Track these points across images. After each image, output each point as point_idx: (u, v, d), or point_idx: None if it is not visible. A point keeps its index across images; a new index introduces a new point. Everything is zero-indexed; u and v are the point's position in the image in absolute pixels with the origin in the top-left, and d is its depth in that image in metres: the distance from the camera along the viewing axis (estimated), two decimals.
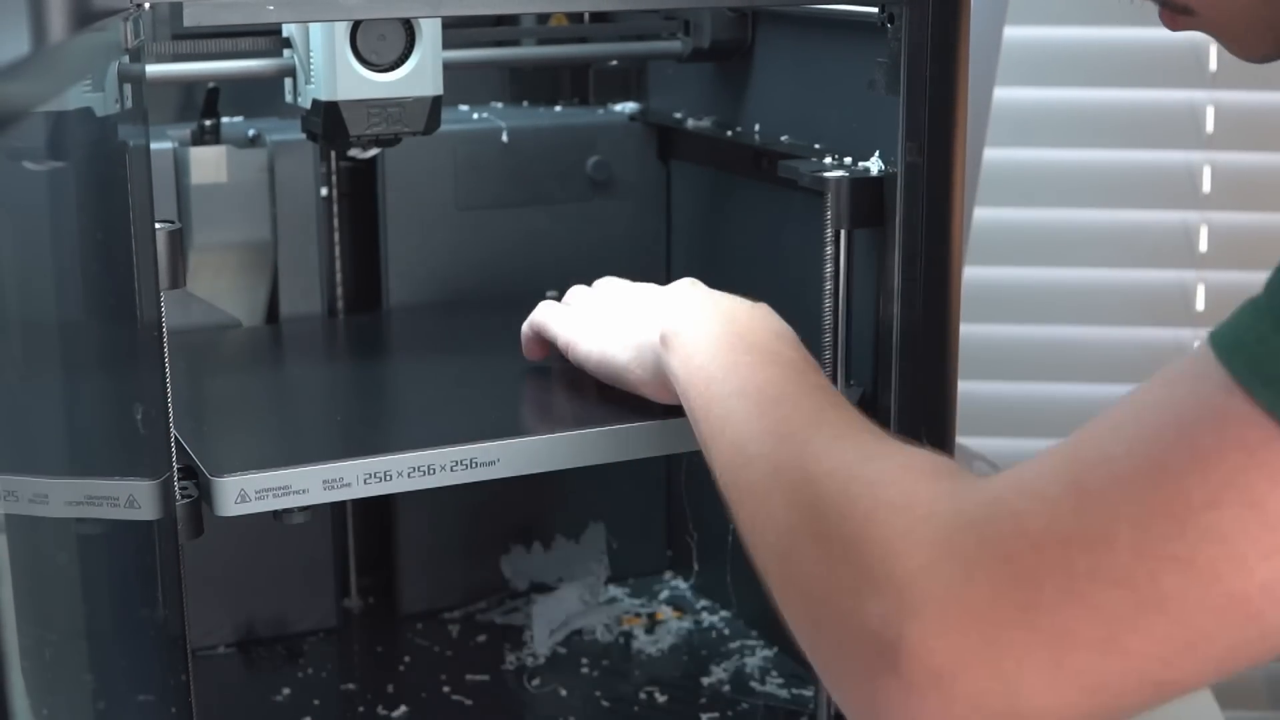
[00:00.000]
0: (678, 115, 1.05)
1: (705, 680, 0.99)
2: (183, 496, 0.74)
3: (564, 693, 0.97)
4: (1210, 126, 1.56)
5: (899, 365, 0.83)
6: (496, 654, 1.02)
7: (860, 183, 0.83)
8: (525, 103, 1.13)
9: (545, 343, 0.88)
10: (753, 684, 0.99)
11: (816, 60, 0.92)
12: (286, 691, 0.98)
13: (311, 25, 0.86)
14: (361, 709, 0.97)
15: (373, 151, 0.98)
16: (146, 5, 0.69)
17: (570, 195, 1.07)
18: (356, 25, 0.85)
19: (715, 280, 1.05)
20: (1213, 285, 1.57)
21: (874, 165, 0.84)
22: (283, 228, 1.00)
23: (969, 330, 0.86)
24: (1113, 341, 1.60)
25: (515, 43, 1.06)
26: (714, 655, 1.02)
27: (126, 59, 0.68)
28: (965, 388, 0.86)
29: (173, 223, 0.71)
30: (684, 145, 1.07)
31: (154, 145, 0.91)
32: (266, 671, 1.00)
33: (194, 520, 0.74)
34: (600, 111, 1.11)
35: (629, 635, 1.05)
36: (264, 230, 1.00)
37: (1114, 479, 0.50)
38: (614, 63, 1.09)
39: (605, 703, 0.96)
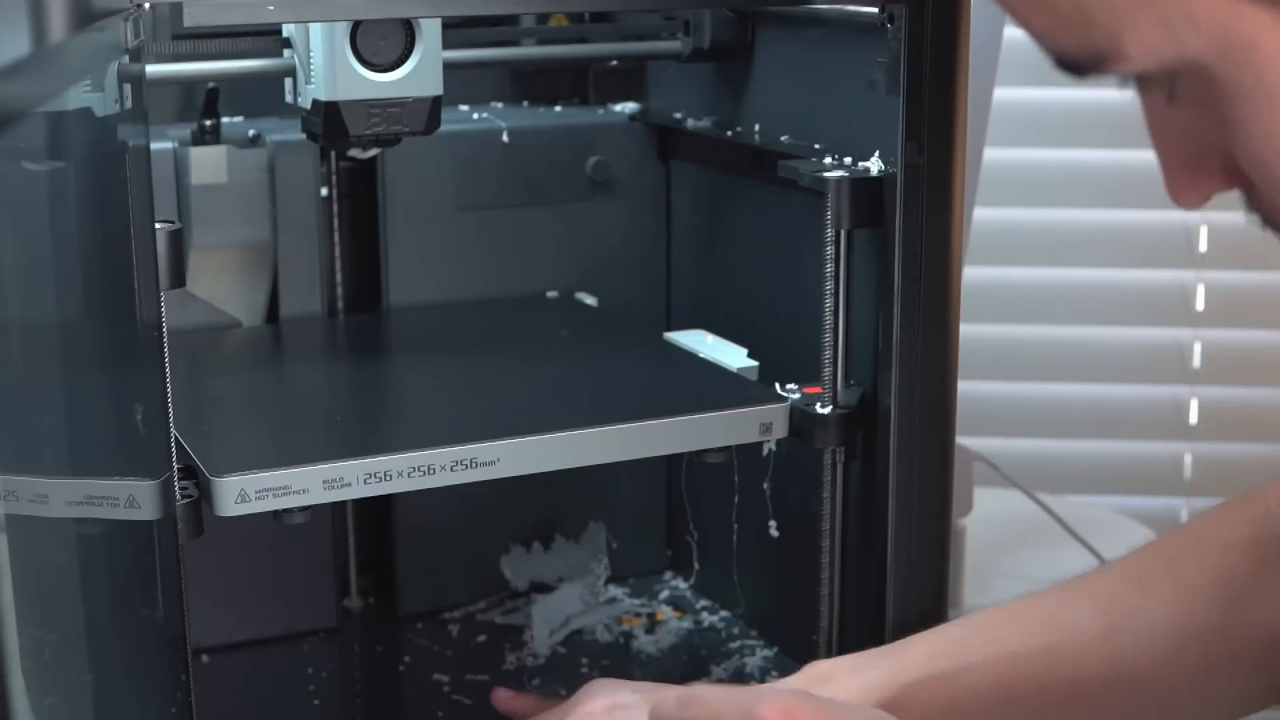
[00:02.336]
0: (678, 115, 1.05)
1: (705, 680, 0.99)
2: (183, 496, 0.74)
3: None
4: None
5: (899, 365, 0.83)
6: (496, 654, 1.02)
7: (860, 183, 0.83)
8: (525, 103, 1.13)
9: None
10: (753, 684, 0.99)
11: (816, 60, 0.92)
12: (286, 691, 0.98)
13: (311, 25, 0.86)
14: (362, 709, 0.97)
15: (373, 151, 0.98)
16: (146, 5, 0.69)
17: (570, 195, 1.07)
18: (356, 25, 0.85)
19: (715, 280, 1.05)
20: (1213, 285, 1.57)
21: (874, 165, 0.84)
22: (283, 228, 1.00)
23: (969, 330, 0.86)
24: (1113, 341, 1.61)
25: (515, 43, 1.06)
26: (714, 655, 1.02)
27: (126, 59, 0.68)
28: (965, 388, 0.86)
29: (173, 223, 0.71)
30: (684, 145, 1.07)
31: (154, 145, 0.91)
32: (266, 671, 1.00)
33: (194, 520, 0.74)
34: (600, 111, 1.11)
35: (629, 635, 1.05)
36: (264, 230, 1.00)
37: None
38: (614, 63, 1.09)
39: None
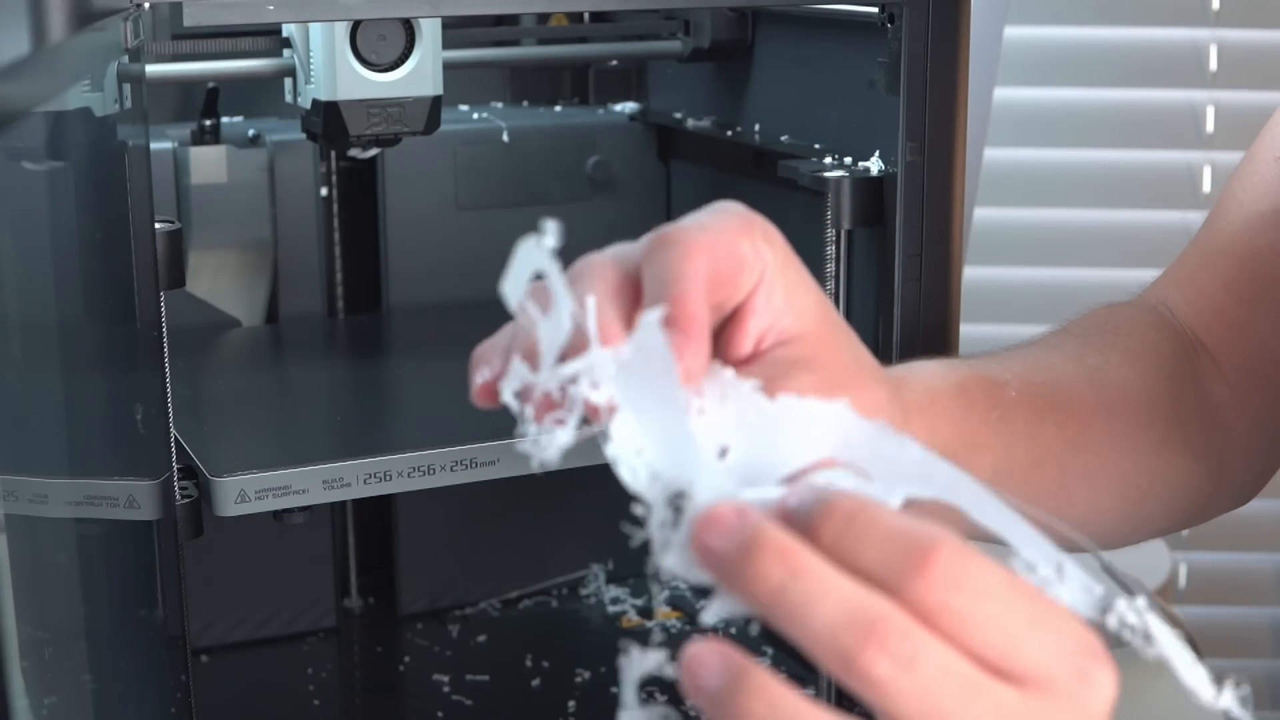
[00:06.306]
0: (678, 115, 1.05)
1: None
2: (183, 496, 0.74)
3: (563, 693, 0.97)
4: (1210, 126, 1.56)
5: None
6: (496, 654, 1.02)
7: (860, 183, 0.83)
8: (525, 103, 1.14)
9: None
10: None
11: (816, 60, 0.92)
12: (286, 691, 0.98)
13: (311, 25, 0.86)
14: (361, 709, 0.97)
15: (373, 151, 0.98)
16: (146, 5, 0.69)
17: (570, 195, 1.07)
18: (356, 25, 0.85)
19: None
20: None
21: (874, 165, 0.84)
22: (283, 228, 1.00)
23: (969, 330, 0.86)
24: None
25: (515, 43, 1.06)
26: None
27: (126, 59, 0.68)
28: None
29: (173, 223, 0.71)
30: (684, 145, 1.07)
31: (154, 145, 0.91)
32: (266, 671, 1.00)
33: (194, 520, 0.74)
34: (600, 111, 1.11)
35: (629, 635, 1.05)
36: (264, 230, 1.00)
37: None
38: (614, 63, 1.09)
39: (605, 703, 0.96)
